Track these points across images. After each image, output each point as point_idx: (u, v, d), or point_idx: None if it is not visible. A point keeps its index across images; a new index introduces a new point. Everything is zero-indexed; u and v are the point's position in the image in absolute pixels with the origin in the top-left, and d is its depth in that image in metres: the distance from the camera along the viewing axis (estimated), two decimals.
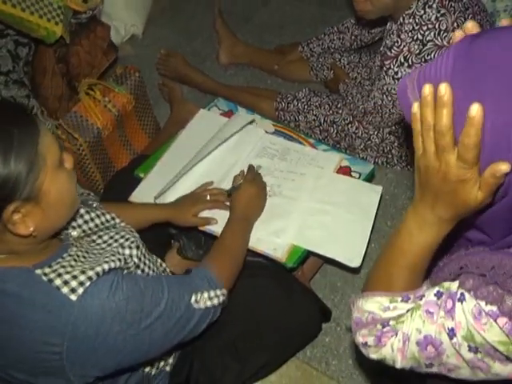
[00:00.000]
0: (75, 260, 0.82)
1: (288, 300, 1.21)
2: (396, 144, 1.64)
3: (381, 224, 1.59)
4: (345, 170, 1.41)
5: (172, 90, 1.91)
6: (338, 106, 1.70)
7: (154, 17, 2.42)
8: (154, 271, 1.01)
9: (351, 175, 1.40)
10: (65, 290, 0.76)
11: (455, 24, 1.30)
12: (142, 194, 1.37)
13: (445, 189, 0.65)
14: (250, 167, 1.35)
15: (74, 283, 0.77)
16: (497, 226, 0.71)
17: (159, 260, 1.13)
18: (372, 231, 1.28)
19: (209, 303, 0.95)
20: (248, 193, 1.24)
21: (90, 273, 0.79)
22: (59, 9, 1.46)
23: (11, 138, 0.71)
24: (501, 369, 0.69)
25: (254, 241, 1.23)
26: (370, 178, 1.42)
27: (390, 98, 1.47)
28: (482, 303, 0.65)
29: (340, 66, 1.88)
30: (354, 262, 1.21)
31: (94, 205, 1.06)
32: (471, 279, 0.68)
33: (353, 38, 1.87)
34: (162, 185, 1.36)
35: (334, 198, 1.32)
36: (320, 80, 1.98)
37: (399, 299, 0.74)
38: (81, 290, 0.77)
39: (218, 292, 0.97)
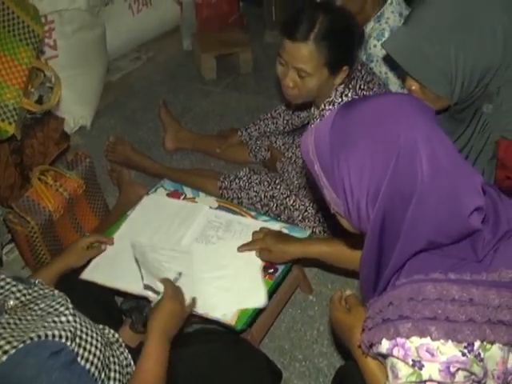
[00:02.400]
0: (4, 328, 0.83)
1: (239, 363, 1.26)
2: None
3: (321, 287, 1.71)
4: None
5: (120, 174, 2.02)
6: (276, 182, 1.86)
7: (101, 109, 2.59)
8: (98, 340, 0.99)
9: None
10: None
11: None
12: (92, 272, 1.43)
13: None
14: (166, 281, 1.24)
15: None
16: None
17: (111, 330, 1.16)
18: None
19: None
20: (167, 310, 1.16)
21: (15, 343, 0.80)
22: (14, 110, 1.54)
23: None
24: None
25: (204, 308, 1.30)
26: None
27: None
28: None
29: (276, 147, 2.07)
30: (261, 303, 1.33)
31: (36, 281, 1.08)
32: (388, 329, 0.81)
33: (285, 122, 2.08)
34: (112, 264, 1.43)
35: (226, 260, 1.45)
36: (259, 160, 2.15)
37: None
38: (4, 358, 0.77)
39: None
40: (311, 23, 1.42)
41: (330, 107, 1.54)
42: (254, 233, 1.47)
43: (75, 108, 2.43)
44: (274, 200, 1.84)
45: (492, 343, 0.77)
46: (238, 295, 1.35)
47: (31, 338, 0.81)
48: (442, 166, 0.76)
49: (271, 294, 1.42)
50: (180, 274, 1.34)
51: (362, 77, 1.57)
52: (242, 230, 1.54)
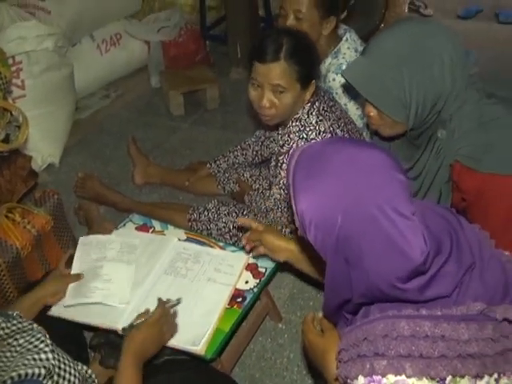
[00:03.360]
0: None
1: None
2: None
3: (290, 315, 1.74)
4: (252, 267, 1.56)
5: (89, 211, 2.04)
6: (244, 212, 1.91)
7: (70, 147, 2.61)
8: (75, 376, 1.04)
9: (258, 271, 1.55)
10: None
11: (331, 128, 1.63)
12: (60, 308, 1.43)
13: None
14: (160, 303, 1.32)
15: None
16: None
17: (84, 366, 1.17)
18: None
19: None
20: (145, 333, 1.21)
21: None
22: None
23: None
24: None
25: (173, 339, 1.32)
26: (275, 272, 1.58)
27: (286, 191, 1.69)
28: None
29: (243, 179, 2.12)
30: (199, 346, 1.29)
31: (14, 314, 1.11)
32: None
33: (254, 153, 2.15)
34: (79, 299, 1.43)
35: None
36: (227, 192, 2.20)
37: None
38: None
39: None
40: (278, 45, 1.53)
41: (296, 123, 1.63)
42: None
43: (43, 146, 2.45)
44: (243, 230, 1.87)
45: (462, 377, 0.80)
46: (199, 321, 1.37)
47: (12, 378, 0.83)
48: (387, 240, 0.79)
49: (240, 322, 1.44)
50: (179, 299, 1.38)
51: (325, 101, 1.68)
52: (211, 260, 1.56)
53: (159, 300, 1.33)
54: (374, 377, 0.81)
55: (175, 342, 1.32)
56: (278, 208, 1.75)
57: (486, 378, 0.81)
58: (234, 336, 1.48)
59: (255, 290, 1.49)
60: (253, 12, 3.14)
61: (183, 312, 1.39)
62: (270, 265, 1.57)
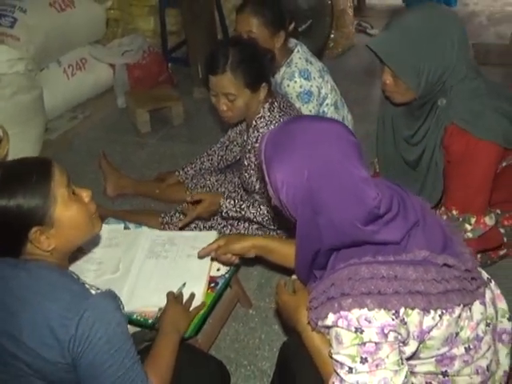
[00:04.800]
0: None
1: (193, 367, 1.36)
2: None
3: (260, 302, 1.90)
4: None
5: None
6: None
7: None
8: None
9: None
10: None
11: None
12: None
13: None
14: (169, 293, 1.48)
15: None
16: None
17: None
18: None
19: None
20: (171, 310, 1.40)
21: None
22: None
23: (30, 181, 1.05)
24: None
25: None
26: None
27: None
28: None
29: (210, 184, 2.28)
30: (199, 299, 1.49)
31: None
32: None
33: (219, 157, 2.31)
34: None
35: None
36: None
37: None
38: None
39: None
40: (225, 57, 1.71)
41: (261, 120, 1.82)
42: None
43: None
44: (212, 230, 2.02)
45: (412, 309, 0.98)
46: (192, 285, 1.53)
47: None
48: (345, 190, 0.97)
49: (213, 304, 1.58)
50: (184, 284, 1.54)
51: (284, 101, 1.87)
52: (185, 241, 1.72)
53: (168, 294, 1.46)
54: (342, 312, 0.98)
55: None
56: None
57: (432, 313, 1.00)
58: (209, 318, 1.61)
59: (226, 275, 1.64)
60: (211, 35, 3.34)
61: (175, 284, 1.54)
62: None
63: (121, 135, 3.05)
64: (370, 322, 0.96)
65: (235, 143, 2.22)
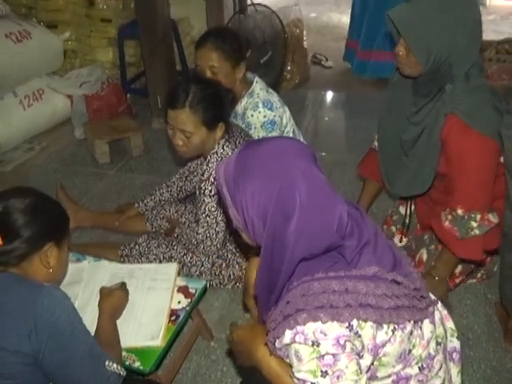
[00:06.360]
0: None
1: None
2: (224, 265, 2.02)
3: (221, 334, 1.90)
4: (183, 289, 1.72)
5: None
6: (173, 243, 2.06)
7: None
8: None
9: (189, 292, 1.71)
10: None
11: None
12: None
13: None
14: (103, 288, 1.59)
15: None
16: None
17: None
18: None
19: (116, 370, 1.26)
20: (110, 301, 1.51)
21: None
22: None
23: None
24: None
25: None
26: (204, 291, 1.75)
27: (212, 217, 1.88)
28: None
29: (169, 215, 2.29)
30: (158, 340, 1.48)
31: None
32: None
33: (178, 188, 2.32)
34: None
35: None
36: (156, 229, 2.34)
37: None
38: None
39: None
40: (186, 93, 1.74)
41: (214, 156, 1.84)
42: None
43: None
44: (173, 260, 2.02)
45: (365, 321, 1.01)
46: (136, 333, 1.51)
47: None
48: (315, 193, 1.01)
49: (174, 338, 1.58)
50: (124, 283, 1.59)
51: (241, 137, 1.91)
52: (145, 273, 1.72)
53: (101, 289, 1.55)
54: (298, 327, 1.01)
55: (135, 343, 1.46)
56: (207, 237, 1.93)
57: (385, 327, 1.04)
58: (170, 352, 1.60)
59: (187, 308, 1.64)
60: (170, 66, 3.39)
61: (135, 318, 1.53)
62: (199, 285, 1.73)
63: (79, 167, 3.03)
64: (325, 334, 0.99)
65: (195, 173, 2.25)
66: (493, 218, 1.67)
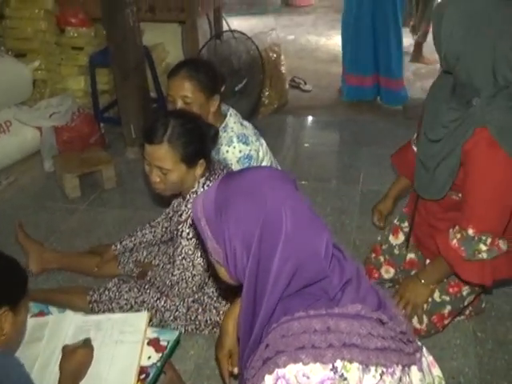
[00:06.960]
0: None
1: None
2: (200, 310, 1.89)
3: None
4: (154, 342, 1.59)
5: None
6: (146, 287, 1.94)
7: None
8: None
9: (160, 345, 1.58)
10: None
11: None
12: None
13: None
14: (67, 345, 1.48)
15: None
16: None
17: None
18: None
19: None
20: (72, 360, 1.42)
21: None
22: None
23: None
24: None
25: None
26: (177, 343, 1.62)
27: (189, 260, 1.76)
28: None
29: (141, 258, 2.15)
30: None
31: None
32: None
33: (163, 229, 2.17)
34: None
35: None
36: (127, 272, 2.17)
37: None
38: None
39: None
40: (164, 128, 1.63)
41: (194, 195, 1.73)
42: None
43: None
44: (145, 304, 1.90)
45: (350, 362, 0.92)
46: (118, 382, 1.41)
47: None
48: (300, 220, 0.96)
49: None
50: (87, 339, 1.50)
51: (223, 173, 1.78)
52: (113, 325, 1.59)
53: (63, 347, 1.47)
54: (278, 371, 0.92)
55: None
56: (182, 280, 1.81)
57: (372, 370, 0.94)
58: None
59: (158, 364, 1.52)
60: (144, 94, 3.29)
61: (100, 378, 1.41)
62: (171, 337, 1.60)
63: (48, 201, 2.88)
64: (308, 377, 0.91)
65: (180, 213, 2.12)
66: (502, 245, 1.55)
